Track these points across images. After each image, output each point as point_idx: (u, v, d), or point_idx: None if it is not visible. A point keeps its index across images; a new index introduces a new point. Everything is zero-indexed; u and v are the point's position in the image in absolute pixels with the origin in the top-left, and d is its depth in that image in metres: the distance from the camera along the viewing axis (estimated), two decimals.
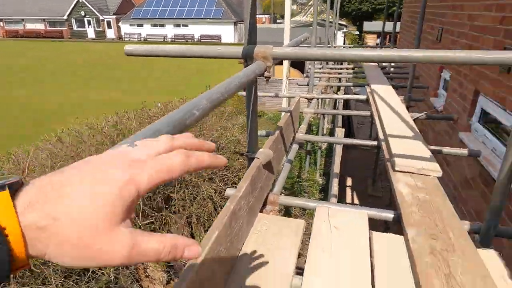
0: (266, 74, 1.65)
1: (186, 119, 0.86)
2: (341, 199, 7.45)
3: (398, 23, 8.62)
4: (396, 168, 2.30)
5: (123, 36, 40.62)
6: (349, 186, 8.58)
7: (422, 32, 6.10)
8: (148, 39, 39.45)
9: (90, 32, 42.22)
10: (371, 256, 1.61)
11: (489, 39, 3.13)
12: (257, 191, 1.82)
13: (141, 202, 3.76)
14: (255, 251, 1.61)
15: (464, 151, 2.86)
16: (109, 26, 42.08)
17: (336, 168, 4.33)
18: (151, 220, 3.93)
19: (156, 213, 3.99)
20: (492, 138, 3.18)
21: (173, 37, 39.37)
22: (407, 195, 2.03)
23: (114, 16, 41.53)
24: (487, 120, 3.30)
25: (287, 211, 6.12)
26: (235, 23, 36.87)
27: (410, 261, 1.55)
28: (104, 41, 39.57)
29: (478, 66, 3.38)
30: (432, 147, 2.91)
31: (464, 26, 3.82)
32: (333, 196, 3.61)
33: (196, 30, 38.59)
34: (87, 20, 41.57)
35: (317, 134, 8.80)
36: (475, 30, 3.49)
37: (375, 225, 1.94)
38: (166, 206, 4.34)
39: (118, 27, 41.32)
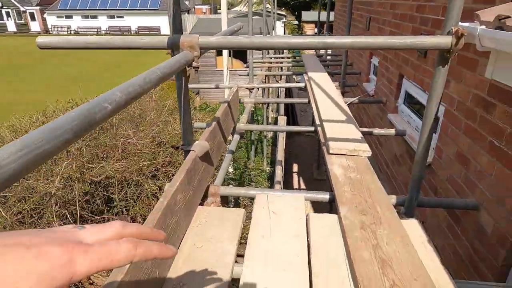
0: (194, 64, 1.61)
1: (96, 113, 0.81)
2: (288, 185, 7.68)
3: (333, 13, 8.97)
4: (331, 151, 2.41)
5: (50, 29, 37.28)
6: (296, 172, 8.86)
7: (354, 21, 6.42)
8: (79, 32, 36.65)
9: (10, 25, 38.07)
10: (308, 236, 1.68)
11: (408, 26, 3.38)
12: (194, 184, 1.79)
13: (78, 207, 3.53)
14: (194, 245, 1.60)
15: (392, 131, 3.09)
16: (33, 18, 38.29)
17: (280, 155, 4.44)
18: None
19: (96, 217, 3.77)
20: (416, 118, 3.47)
21: (107, 29, 37.01)
22: (340, 175, 2.14)
23: (38, 7, 37.83)
24: (411, 101, 3.60)
25: (236, 202, 6.15)
26: None
27: (342, 237, 1.64)
28: (28, 35, 35.96)
29: (401, 52, 3.65)
30: (364, 129, 3.10)
31: (388, 14, 4.09)
32: (277, 183, 3.70)
33: (133, 21, 36.65)
34: (5, 11, 37.40)
35: (262, 123, 8.91)
36: (396, 18, 3.76)
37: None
38: (108, 208, 4.12)
39: (44, 19, 37.78)
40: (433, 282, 1.33)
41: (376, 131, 3.13)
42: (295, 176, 8.68)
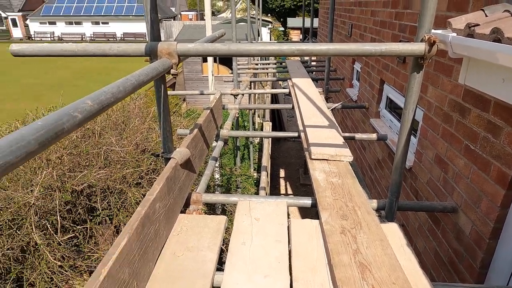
0: (172, 71, 1.60)
1: (64, 123, 0.80)
2: (275, 190, 7.69)
3: (317, 19, 9.10)
4: (313, 157, 2.43)
5: (32, 36, 36.63)
6: (283, 177, 8.88)
7: (337, 28, 6.52)
8: (63, 39, 36.11)
9: None
10: (289, 242, 1.68)
11: (388, 33, 3.46)
12: (175, 192, 1.77)
13: (58, 217, 3.45)
14: (174, 254, 1.58)
15: (373, 136, 3.14)
16: (15, 25, 37.58)
17: (265, 161, 4.45)
18: (73, 235, 3.63)
19: (78, 227, 3.69)
20: (397, 122, 3.53)
21: (92, 35, 36.59)
22: (322, 181, 2.16)
23: (19, 13, 37.16)
24: (392, 106, 3.66)
25: (223, 209, 6.11)
26: (159, 20, 35.55)
27: (323, 241, 1.65)
28: (10, 41, 35.23)
29: (382, 58, 3.72)
30: (347, 134, 3.14)
31: (368, 21, 4.17)
32: (262, 189, 3.70)
33: (118, 28, 36.35)
34: None
35: (249, 129, 8.91)
36: (377, 25, 3.83)
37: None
38: (90, 218, 4.04)
39: (26, 26, 37.12)
40: (411, 285, 1.34)
41: (358, 136, 3.18)
42: (282, 182, 8.69)
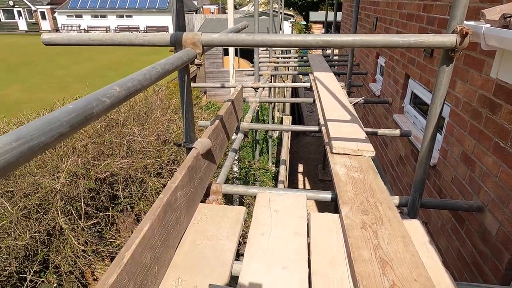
0: (196, 61, 1.61)
1: (93, 107, 0.82)
2: (292, 185, 7.66)
3: (340, 13, 8.93)
4: (334, 151, 2.40)
5: (60, 28, 37.73)
6: (301, 172, 8.84)
7: (361, 21, 6.38)
8: (89, 31, 37.02)
9: (22, 24, 38.63)
10: (308, 235, 1.67)
11: (415, 26, 3.35)
12: (196, 181, 1.80)
13: (83, 203, 3.57)
14: (194, 241, 1.60)
15: (397, 132, 3.07)
16: (44, 18, 38.80)
17: (284, 155, 4.43)
18: (96, 221, 3.75)
19: (100, 213, 3.80)
20: (421, 119, 3.43)
21: (116, 28, 37.33)
22: (343, 175, 2.13)
23: (48, 7, 38.33)
24: (417, 102, 3.56)
25: (241, 202, 6.15)
26: None
27: (343, 236, 1.63)
28: (38, 33, 36.45)
29: (407, 52, 3.61)
30: (369, 130, 3.08)
31: (395, 14, 4.06)
32: (280, 182, 3.69)
33: (141, 21, 36.92)
34: (17, 10, 37.95)
35: (268, 123, 8.90)
36: (403, 18, 3.72)
37: None
38: (112, 205, 4.16)
39: (54, 18, 38.26)
40: (433, 283, 1.31)
41: (381, 131, 3.11)
42: (300, 177, 8.65)
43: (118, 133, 4.16)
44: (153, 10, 36.46)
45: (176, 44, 1.60)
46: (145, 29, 36.90)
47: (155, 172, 4.22)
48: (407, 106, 3.73)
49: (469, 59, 2.27)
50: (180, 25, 1.61)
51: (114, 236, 4.04)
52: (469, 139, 2.21)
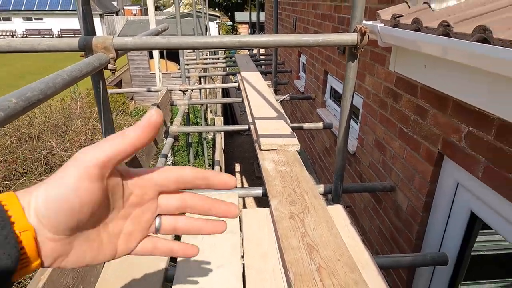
0: (110, 66, 1.55)
1: None
2: None
3: (263, 13, 9.20)
4: (262, 147, 2.48)
5: None
6: (238, 171, 8.93)
7: (282, 21, 6.65)
8: None
9: None
10: (241, 231, 1.71)
11: (329, 25, 3.61)
12: None
13: None
14: (124, 260, 1.53)
15: (320, 125, 3.28)
16: None
17: (218, 155, 4.44)
18: None
19: None
20: None
21: (24, 32, 33.68)
22: (272, 170, 2.22)
23: None
24: (336, 96, 3.84)
25: None
26: (101, 15, 33.60)
27: (274, 228, 1.71)
28: None
29: (325, 50, 3.87)
30: (295, 125, 3.24)
31: (311, 14, 4.31)
32: None
33: (54, 23, 33.82)
34: None
35: (201, 125, 8.82)
36: (318, 18, 3.98)
37: None
38: None
39: None
40: (354, 260, 1.44)
41: (306, 125, 3.29)
42: (238, 176, 8.73)
43: (33, 148, 3.77)
44: (67, 11, 33.65)
45: (86, 49, 1.51)
46: (59, 32, 33.92)
47: None
48: (328, 100, 4.00)
49: (374, 54, 2.51)
50: (89, 30, 1.53)
51: None
52: (379, 126, 2.45)
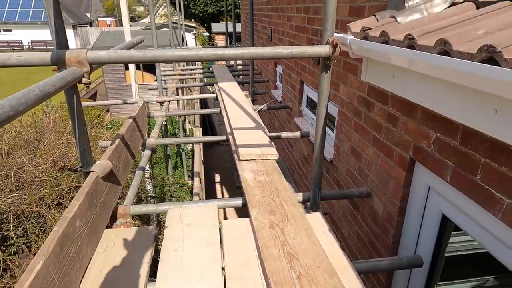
0: (84, 80, 1.53)
1: None
2: (211, 195, 7.65)
3: (240, 24, 9.30)
4: (241, 158, 2.50)
5: None
6: (218, 181, 8.88)
7: (258, 32, 6.75)
8: None
9: None
10: (221, 242, 1.71)
11: (303, 37, 3.70)
12: (98, 206, 1.68)
13: None
14: (101, 271, 1.50)
15: (297, 134, 3.33)
16: None
17: (197, 167, 4.42)
18: None
19: None
20: None
21: None
22: (251, 180, 2.23)
23: None
24: (312, 104, 3.92)
25: (159, 221, 5.90)
26: (74, 27, 32.90)
27: (254, 237, 1.71)
28: None
29: (300, 61, 3.96)
30: (273, 134, 3.28)
31: (285, 26, 4.41)
32: (195, 195, 3.67)
33: (24, 35, 32.79)
34: None
35: (180, 136, 8.73)
36: (293, 29, 4.08)
37: None
38: (3, 248, 3.59)
39: None
40: (333, 267, 1.47)
41: (284, 134, 3.34)
42: (218, 186, 8.68)
43: (2, 164, 3.63)
44: (38, 23, 32.73)
45: (59, 63, 1.49)
46: (30, 44, 32.90)
47: (55, 203, 3.79)
48: (305, 109, 4.08)
49: (347, 65, 2.60)
50: (62, 43, 1.51)
51: (9, 283, 3.50)
52: (354, 134, 2.52)
